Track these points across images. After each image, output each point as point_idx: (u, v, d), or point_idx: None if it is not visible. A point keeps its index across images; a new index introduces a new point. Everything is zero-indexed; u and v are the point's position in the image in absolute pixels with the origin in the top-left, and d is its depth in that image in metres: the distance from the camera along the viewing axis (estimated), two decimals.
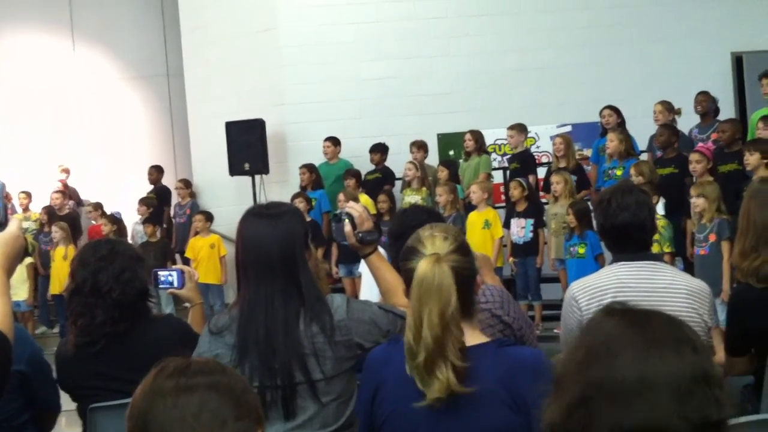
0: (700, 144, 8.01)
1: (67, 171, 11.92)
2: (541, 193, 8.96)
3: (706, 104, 8.53)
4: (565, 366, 1.44)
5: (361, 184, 9.76)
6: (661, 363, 1.35)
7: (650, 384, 1.33)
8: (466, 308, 2.17)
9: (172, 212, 11.22)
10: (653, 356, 1.35)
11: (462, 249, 2.21)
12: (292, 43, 10.75)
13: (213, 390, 1.47)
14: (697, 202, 6.60)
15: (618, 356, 1.37)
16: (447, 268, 2.11)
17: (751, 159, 6.68)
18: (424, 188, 9.26)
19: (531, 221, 8.31)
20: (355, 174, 9.71)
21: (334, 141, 10.23)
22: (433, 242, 2.22)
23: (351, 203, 2.94)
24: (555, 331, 7.51)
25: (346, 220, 2.83)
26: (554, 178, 8.22)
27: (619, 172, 8.08)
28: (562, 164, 8.62)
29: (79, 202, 11.94)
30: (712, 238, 6.50)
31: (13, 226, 2.40)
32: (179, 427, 1.43)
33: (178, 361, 1.55)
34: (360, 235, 2.82)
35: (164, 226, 11.13)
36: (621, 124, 8.81)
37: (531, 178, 8.85)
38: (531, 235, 8.30)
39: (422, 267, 2.13)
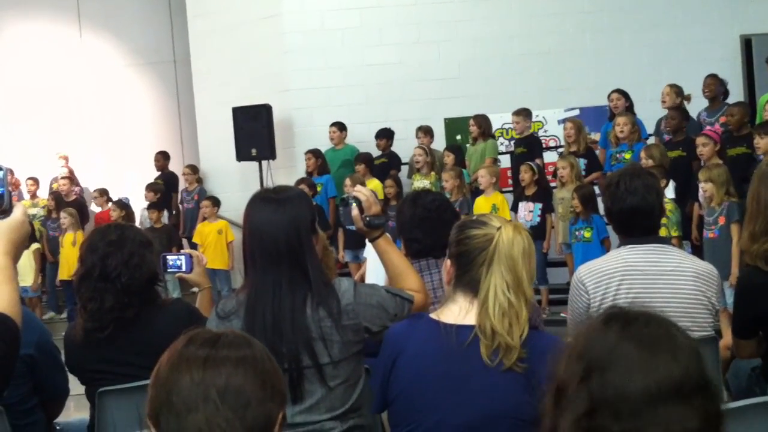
0: (708, 127, 7.97)
1: (65, 158, 11.90)
2: (551, 177, 8.96)
3: (714, 88, 8.48)
4: (566, 376, 1.44)
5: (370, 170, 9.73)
6: (662, 371, 1.37)
7: (655, 395, 1.35)
8: None
9: (179, 198, 11.24)
10: (653, 367, 1.37)
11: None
12: (297, 29, 10.73)
13: (240, 366, 1.46)
14: (705, 187, 6.57)
15: (618, 370, 1.38)
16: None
17: (762, 143, 6.64)
18: (432, 173, 9.24)
19: (539, 206, 8.30)
20: (365, 159, 9.66)
21: (340, 126, 10.21)
22: (497, 217, 2.34)
23: (358, 187, 2.93)
24: (562, 315, 7.51)
25: (354, 204, 2.83)
26: (560, 163, 8.20)
27: (627, 156, 8.05)
28: (573, 149, 8.59)
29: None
30: (722, 221, 6.47)
31: (18, 212, 2.40)
32: (203, 405, 1.42)
33: (207, 332, 1.53)
34: (367, 219, 2.82)
35: (173, 212, 11.16)
36: (629, 108, 8.77)
37: (539, 162, 8.83)
38: (538, 219, 8.29)
39: (508, 234, 2.25)
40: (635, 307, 1.49)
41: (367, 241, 2.95)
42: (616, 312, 1.48)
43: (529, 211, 8.32)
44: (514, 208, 8.49)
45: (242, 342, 1.52)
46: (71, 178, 11.32)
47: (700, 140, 7.24)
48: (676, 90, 8.45)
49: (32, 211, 10.73)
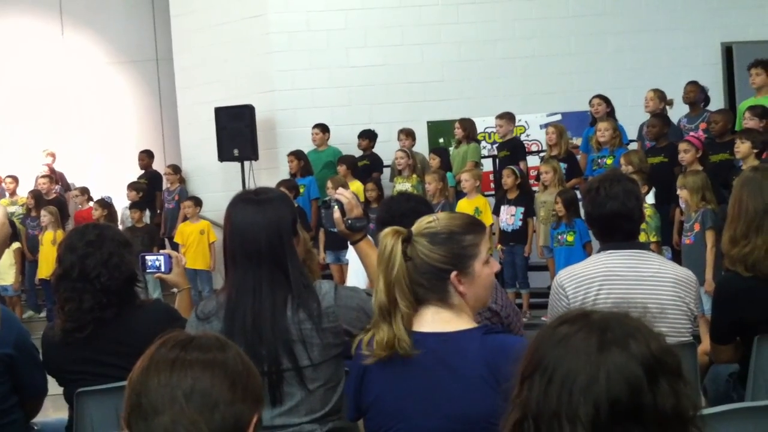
0: (691, 133, 8.02)
1: (52, 155, 11.82)
2: (533, 182, 9.00)
3: (695, 94, 8.53)
4: (513, 381, 1.41)
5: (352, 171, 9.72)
6: (575, 394, 1.29)
7: (566, 418, 1.29)
8: (439, 295, 2.23)
9: (162, 198, 11.19)
10: (575, 387, 1.29)
11: (438, 238, 2.23)
12: (281, 30, 10.71)
13: (208, 368, 1.46)
14: (681, 194, 6.63)
15: (542, 382, 1.33)
16: (398, 241, 2.21)
17: (742, 147, 6.69)
18: (414, 176, 9.25)
19: (521, 209, 8.32)
20: (347, 161, 9.65)
21: (323, 128, 10.20)
22: (421, 221, 2.29)
23: (340, 190, 2.93)
24: (542, 319, 7.53)
25: (336, 207, 2.83)
26: (543, 167, 8.24)
27: (609, 161, 8.09)
28: (554, 153, 8.63)
29: (67, 187, 11.86)
30: (697, 227, 6.53)
31: None
32: (169, 407, 1.43)
33: (181, 335, 1.54)
34: (349, 221, 2.82)
35: (158, 211, 11.10)
36: (610, 114, 8.82)
37: (522, 165, 8.86)
38: (520, 223, 8.31)
39: (381, 236, 2.24)
40: (605, 310, 1.40)
41: (349, 243, 2.95)
42: (573, 316, 1.40)
43: (510, 215, 8.35)
44: (496, 212, 8.51)
45: (214, 345, 1.52)
46: (51, 176, 11.23)
47: (682, 146, 7.29)
48: (660, 95, 8.51)
49: (11, 209, 10.63)
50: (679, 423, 1.32)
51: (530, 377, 1.35)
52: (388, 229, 2.26)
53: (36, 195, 10.59)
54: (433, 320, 2.24)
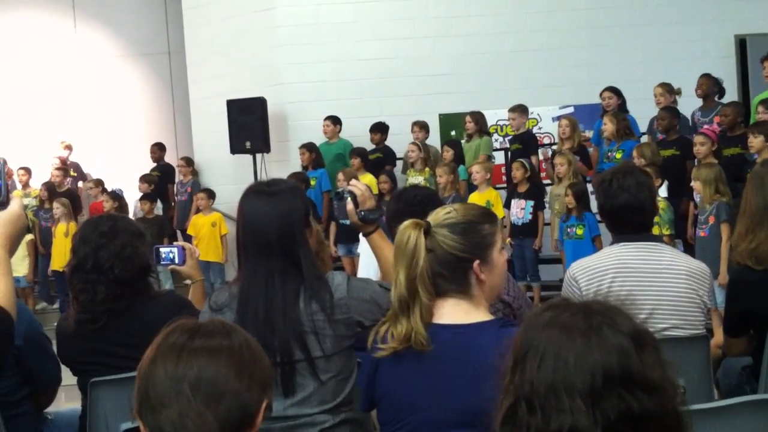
0: (706, 126, 7.98)
1: (69, 147, 11.87)
2: (544, 175, 8.97)
3: (707, 87, 8.49)
4: (503, 369, 1.44)
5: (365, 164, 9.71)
6: (570, 364, 1.33)
7: (563, 389, 1.33)
8: (460, 286, 2.22)
9: (174, 190, 11.22)
10: (563, 357, 1.34)
11: (458, 228, 2.23)
12: (291, 23, 10.70)
13: (214, 356, 1.46)
14: (694, 186, 6.62)
15: (533, 361, 1.37)
16: (420, 234, 2.18)
17: (755, 142, 6.66)
18: (426, 169, 9.24)
19: (531, 203, 8.30)
20: (360, 153, 9.63)
21: (334, 120, 10.20)
22: (437, 213, 2.28)
23: (353, 181, 2.94)
24: None
25: (348, 198, 2.83)
26: (558, 160, 8.20)
27: (618, 155, 8.06)
28: (567, 146, 8.61)
29: (83, 177, 11.89)
30: (712, 220, 6.51)
31: (15, 205, 2.40)
32: (176, 400, 1.43)
33: (188, 323, 1.54)
34: (362, 213, 2.82)
35: (172, 204, 11.14)
36: (621, 106, 8.78)
37: (533, 159, 8.84)
38: (530, 216, 8.29)
39: (400, 229, 2.22)
40: (596, 298, 1.45)
41: (360, 235, 2.95)
42: (554, 303, 1.45)
43: (521, 209, 8.33)
44: (507, 205, 8.50)
45: (219, 331, 1.52)
46: (65, 168, 11.28)
47: (698, 139, 7.26)
48: (667, 89, 8.47)
49: (24, 201, 10.67)
50: (667, 398, 1.36)
51: (522, 361, 1.39)
52: (407, 222, 2.24)
53: (49, 187, 10.65)
54: (453, 312, 2.23)
